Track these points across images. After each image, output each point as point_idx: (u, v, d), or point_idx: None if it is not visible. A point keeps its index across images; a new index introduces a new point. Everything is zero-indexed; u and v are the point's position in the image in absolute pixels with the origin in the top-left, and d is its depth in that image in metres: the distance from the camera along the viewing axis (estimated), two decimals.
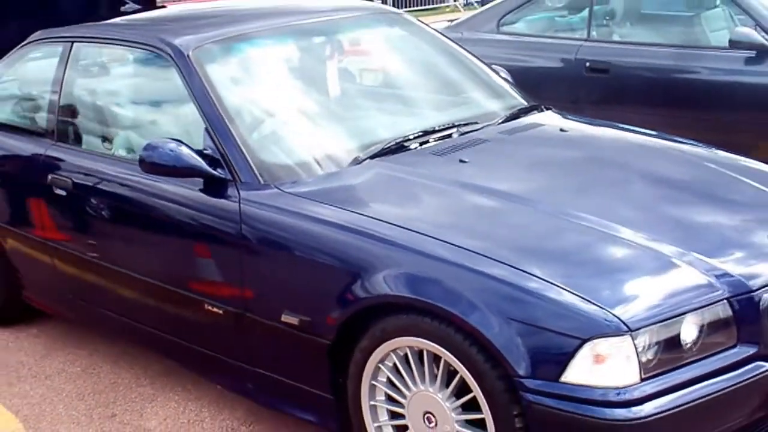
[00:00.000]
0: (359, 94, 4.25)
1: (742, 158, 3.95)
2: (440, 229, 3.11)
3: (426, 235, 3.08)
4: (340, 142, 3.75)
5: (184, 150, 3.54)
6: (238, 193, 3.48)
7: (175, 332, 3.89)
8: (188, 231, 3.70)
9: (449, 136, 3.82)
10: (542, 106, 4.27)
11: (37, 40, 4.74)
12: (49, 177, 4.24)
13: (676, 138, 4.20)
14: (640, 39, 6.25)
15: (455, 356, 2.91)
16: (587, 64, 6.06)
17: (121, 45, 4.35)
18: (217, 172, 3.54)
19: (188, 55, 3.84)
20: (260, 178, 3.50)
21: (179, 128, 3.90)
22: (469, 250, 2.98)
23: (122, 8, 5.36)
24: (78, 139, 4.33)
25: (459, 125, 3.89)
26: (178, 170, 3.55)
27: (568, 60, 6.14)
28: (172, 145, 3.55)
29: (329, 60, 4.30)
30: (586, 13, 6.46)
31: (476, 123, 3.95)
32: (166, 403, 4.03)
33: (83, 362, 4.46)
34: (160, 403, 4.03)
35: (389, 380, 3.15)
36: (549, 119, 4.15)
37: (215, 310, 3.58)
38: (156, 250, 3.91)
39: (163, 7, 5.55)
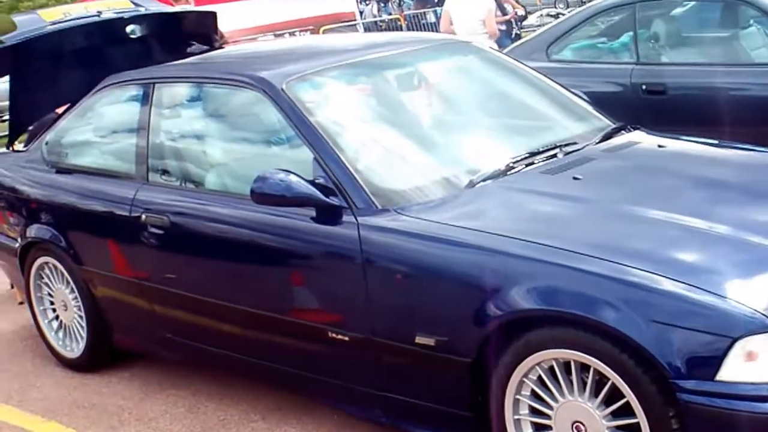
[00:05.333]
0: (452, 121, 4.28)
1: None
2: (570, 242, 3.14)
3: (559, 248, 3.12)
4: (449, 167, 3.78)
5: (294, 179, 3.57)
6: (356, 220, 3.51)
7: (292, 363, 3.90)
8: (302, 261, 3.74)
9: (554, 156, 3.87)
10: (629, 126, 4.34)
11: (110, 84, 4.79)
12: (144, 217, 4.27)
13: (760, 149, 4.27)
14: (687, 60, 6.34)
15: (606, 364, 2.94)
16: (643, 86, 6.15)
17: (206, 83, 4.42)
18: (331, 200, 3.58)
19: (282, 89, 3.89)
20: (376, 204, 3.54)
21: (277, 160, 3.94)
22: (606, 260, 3.02)
23: (188, 50, 5.37)
24: (172, 178, 4.37)
25: (561, 146, 3.94)
26: (289, 200, 3.58)
27: (624, 84, 6.24)
28: (281, 175, 3.58)
29: (417, 89, 4.38)
30: (625, 38, 6.57)
31: (575, 143, 4.00)
32: None
33: (186, 402, 4.45)
34: None
35: (533, 393, 3.18)
36: (642, 137, 4.21)
37: (340, 337, 3.60)
38: (267, 282, 3.92)
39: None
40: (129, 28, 5.29)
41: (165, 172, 4.40)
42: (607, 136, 4.14)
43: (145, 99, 4.49)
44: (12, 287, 6.30)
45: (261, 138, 4.26)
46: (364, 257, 3.45)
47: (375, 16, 22.71)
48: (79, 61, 5.21)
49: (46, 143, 5.02)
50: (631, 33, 6.43)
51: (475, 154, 3.92)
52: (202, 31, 5.62)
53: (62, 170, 4.89)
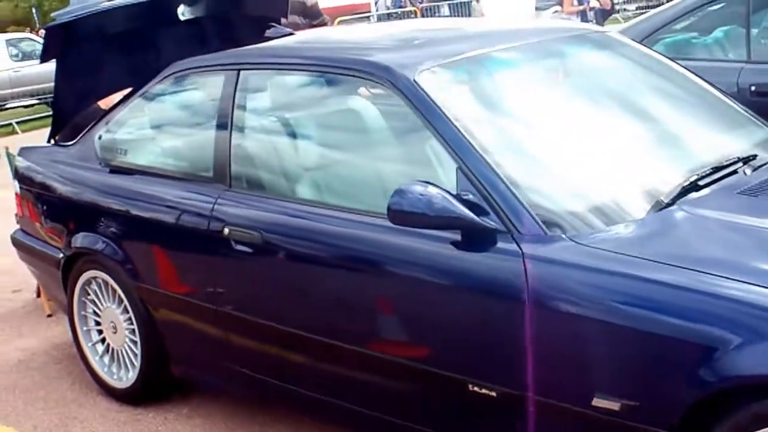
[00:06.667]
0: (617, 127, 3.46)
1: None
2: None
3: None
4: (628, 183, 3.08)
5: (434, 192, 2.86)
6: (520, 248, 2.82)
7: (409, 418, 3.20)
8: (438, 295, 3.02)
9: (735, 172, 3.19)
10: None
11: (179, 71, 4.08)
12: (226, 230, 3.56)
13: None
14: None
15: None
16: (752, 88, 5.47)
17: (310, 71, 3.69)
18: (484, 221, 2.89)
19: (415, 80, 3.19)
20: (544, 229, 2.85)
21: (404, 169, 3.26)
22: None
23: (267, 32, 4.63)
24: (263, 185, 3.66)
25: (744, 160, 3.26)
26: (431, 219, 2.87)
27: (730, 84, 5.54)
28: (419, 187, 2.87)
29: (569, 87, 3.67)
30: (729, 34, 5.90)
31: (756, 157, 3.32)
32: None
33: None
34: None
35: None
36: None
37: (485, 392, 2.91)
38: (386, 320, 3.22)
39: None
40: (180, 9, 4.57)
41: (253, 177, 3.69)
42: None
43: (228, 88, 3.75)
44: (38, 296, 5.60)
45: (381, 140, 3.59)
46: (531, 295, 2.76)
47: (388, 8, 22.24)
48: (130, 45, 4.48)
49: (100, 137, 4.28)
50: (740, 28, 5.75)
51: (652, 167, 3.21)
52: (270, 12, 4.88)
53: (119, 170, 4.16)
